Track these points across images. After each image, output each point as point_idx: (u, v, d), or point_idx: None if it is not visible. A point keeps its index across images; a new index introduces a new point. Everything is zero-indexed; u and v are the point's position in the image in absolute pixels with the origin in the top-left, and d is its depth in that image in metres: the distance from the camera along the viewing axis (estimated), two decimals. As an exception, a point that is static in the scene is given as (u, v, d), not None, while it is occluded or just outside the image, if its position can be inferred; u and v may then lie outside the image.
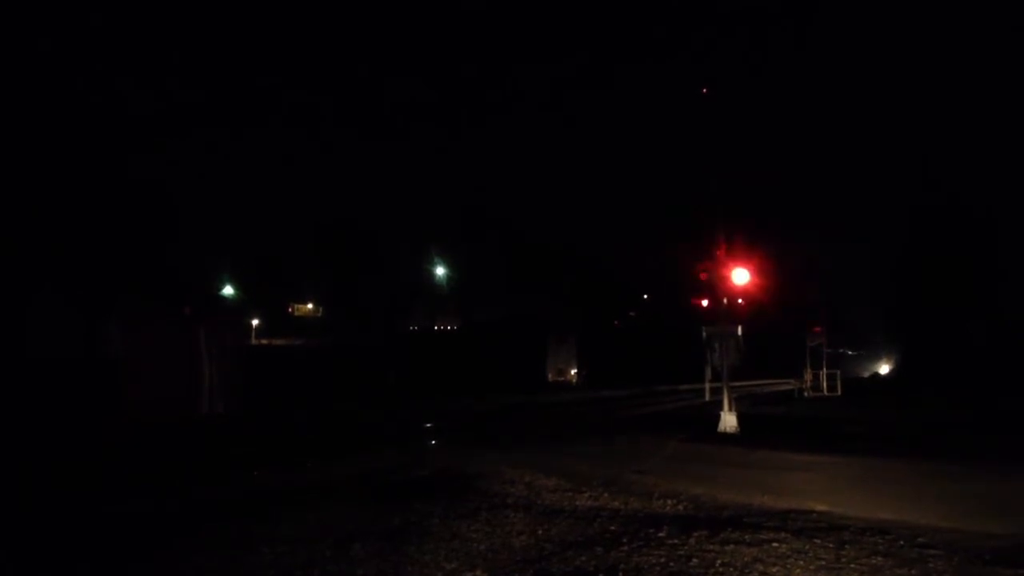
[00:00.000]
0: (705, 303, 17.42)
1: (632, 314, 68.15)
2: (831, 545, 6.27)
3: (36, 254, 26.27)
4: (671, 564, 5.83)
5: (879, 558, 5.89)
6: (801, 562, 5.82)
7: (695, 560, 5.90)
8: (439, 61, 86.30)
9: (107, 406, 18.87)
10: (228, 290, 47.83)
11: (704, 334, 17.41)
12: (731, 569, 5.68)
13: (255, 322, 48.48)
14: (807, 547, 6.22)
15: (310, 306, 62.05)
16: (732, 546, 6.26)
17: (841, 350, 35.17)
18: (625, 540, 6.51)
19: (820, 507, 7.93)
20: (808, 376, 33.64)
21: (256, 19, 69.67)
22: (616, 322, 66.08)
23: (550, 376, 48.37)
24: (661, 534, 6.70)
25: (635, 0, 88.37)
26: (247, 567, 5.95)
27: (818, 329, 34.20)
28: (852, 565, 5.74)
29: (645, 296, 68.32)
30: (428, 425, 19.19)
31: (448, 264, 51.47)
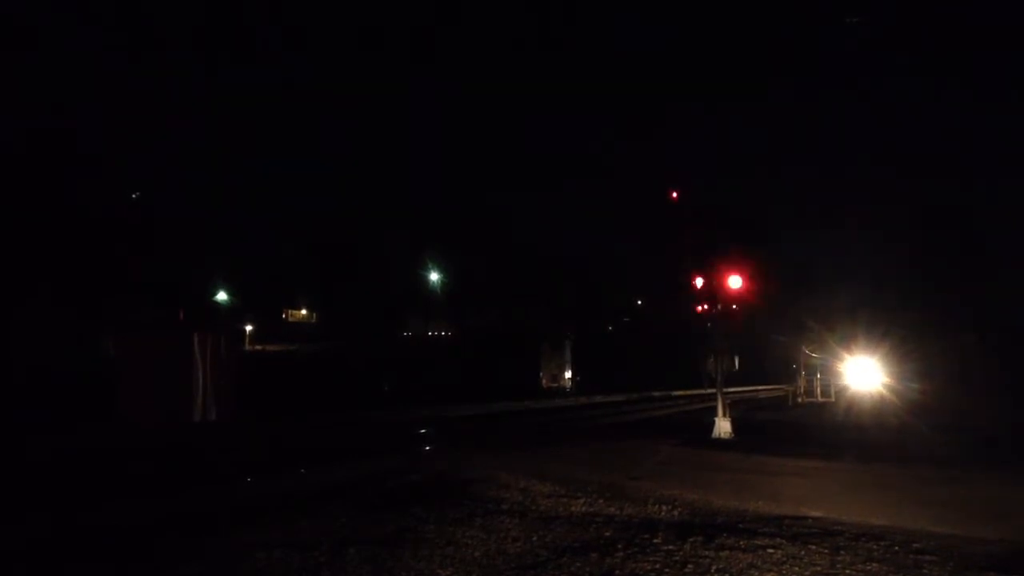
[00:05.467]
0: (700, 310, 17.47)
1: (626, 320, 68.17)
2: (826, 551, 6.27)
3: (28, 258, 26.14)
4: (666, 570, 5.82)
5: (874, 564, 5.90)
6: (796, 568, 5.81)
7: (690, 566, 5.89)
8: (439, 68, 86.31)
9: (99, 413, 18.72)
10: (222, 296, 47.69)
11: (698, 340, 17.48)
12: (726, 575, 5.68)
13: (249, 328, 48.34)
14: (802, 553, 6.22)
15: (304, 312, 61.88)
16: (727, 552, 6.25)
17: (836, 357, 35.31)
18: (620, 546, 6.50)
19: (815, 512, 7.94)
20: (802, 382, 33.74)
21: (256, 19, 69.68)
22: (610, 328, 66.08)
23: (544, 382, 48.30)
24: (656, 540, 6.69)
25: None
26: (242, 572, 5.92)
27: (812, 336, 34.34)
28: (847, 571, 5.74)
29: (639, 302, 68.42)
30: (423, 430, 19.17)
31: (442, 270, 51.40)
